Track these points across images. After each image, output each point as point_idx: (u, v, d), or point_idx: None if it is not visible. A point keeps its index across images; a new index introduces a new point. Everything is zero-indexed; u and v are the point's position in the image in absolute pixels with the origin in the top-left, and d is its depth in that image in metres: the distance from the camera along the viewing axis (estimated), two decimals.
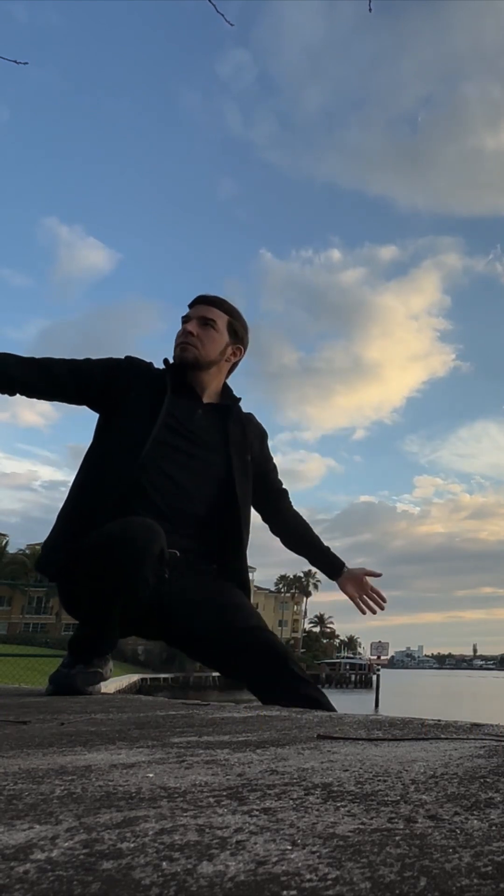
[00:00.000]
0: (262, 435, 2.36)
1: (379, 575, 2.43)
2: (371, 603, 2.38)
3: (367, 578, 2.39)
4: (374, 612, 2.40)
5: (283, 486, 2.43)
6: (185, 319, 2.24)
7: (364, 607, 2.39)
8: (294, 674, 1.92)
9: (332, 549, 2.42)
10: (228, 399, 2.28)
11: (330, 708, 1.83)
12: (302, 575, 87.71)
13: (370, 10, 2.84)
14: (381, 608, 2.39)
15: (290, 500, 2.44)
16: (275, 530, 2.43)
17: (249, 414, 2.35)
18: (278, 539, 2.44)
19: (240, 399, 2.30)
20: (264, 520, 2.42)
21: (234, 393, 2.31)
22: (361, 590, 2.38)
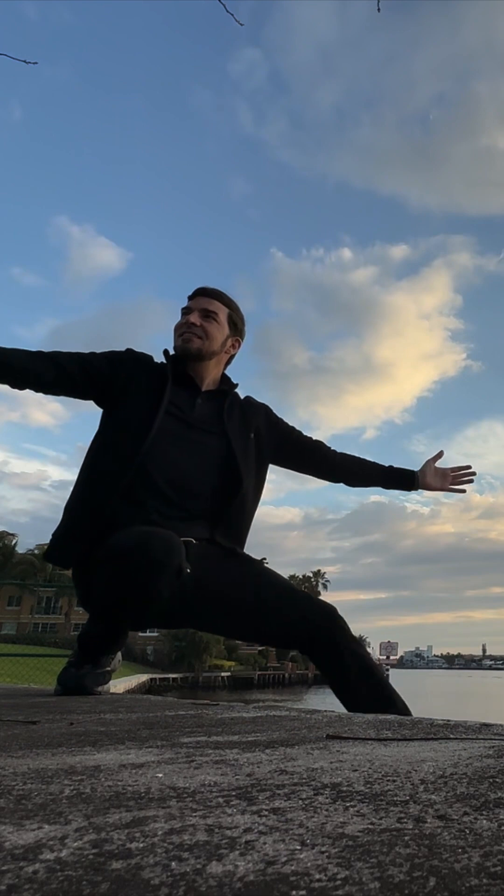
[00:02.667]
0: (262, 410, 2.36)
1: (440, 454, 2.51)
2: (461, 481, 2.49)
3: (437, 464, 2.48)
4: (471, 482, 2.50)
5: (317, 440, 2.44)
6: (187, 311, 2.26)
7: (459, 489, 2.50)
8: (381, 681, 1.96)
9: (394, 466, 2.49)
10: (226, 386, 2.32)
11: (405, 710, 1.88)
12: (311, 575, 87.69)
13: (378, 9, 2.83)
14: (472, 478, 2.49)
15: (331, 448, 2.47)
16: (334, 478, 2.46)
17: (247, 396, 2.37)
18: (346, 484, 2.50)
19: (237, 385, 2.33)
20: (321, 476, 2.45)
21: (233, 382, 2.34)
22: (444, 479, 2.47)
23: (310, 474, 2.47)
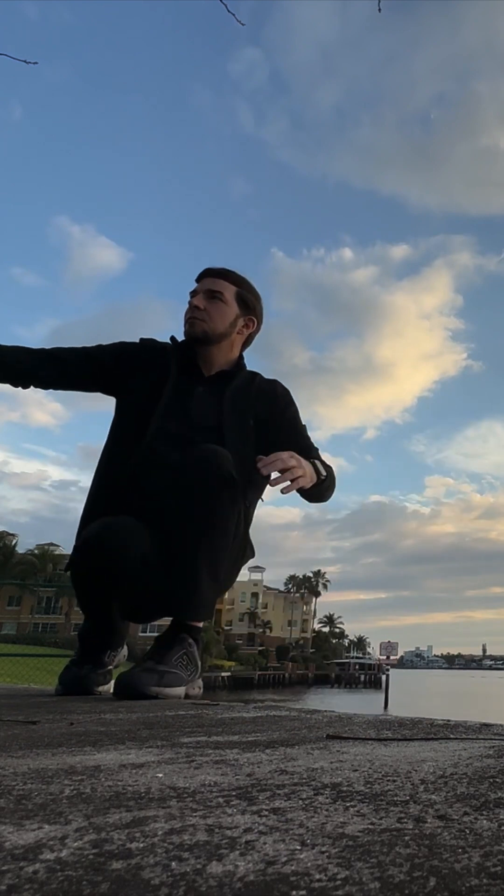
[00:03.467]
0: (270, 394, 2.19)
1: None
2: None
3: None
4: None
5: (313, 449, 2.19)
6: (192, 294, 2.16)
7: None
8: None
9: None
10: (235, 368, 2.18)
11: None
12: (311, 575, 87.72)
13: (379, 9, 2.83)
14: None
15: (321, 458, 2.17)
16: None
17: (270, 380, 2.22)
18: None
19: (245, 367, 2.20)
20: None
21: (245, 365, 2.21)
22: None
23: None
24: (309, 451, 2.15)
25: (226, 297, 2.14)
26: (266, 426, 2.12)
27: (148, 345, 2.22)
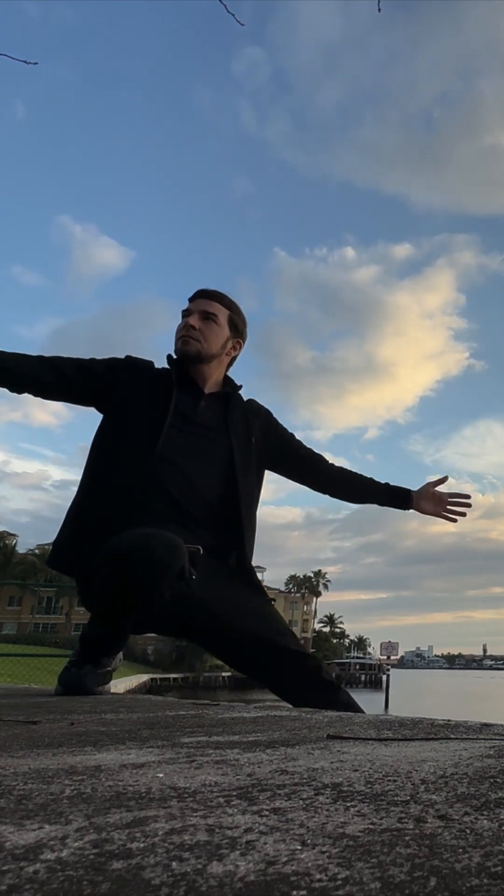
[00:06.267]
0: (263, 414, 2.34)
1: (444, 479, 2.43)
2: (455, 510, 2.41)
3: (438, 488, 2.40)
4: (463, 515, 2.40)
5: (317, 453, 2.41)
6: (186, 313, 2.24)
7: (452, 517, 2.41)
8: (331, 684, 1.97)
9: (391, 484, 2.43)
10: (229, 388, 2.29)
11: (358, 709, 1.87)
12: (312, 575, 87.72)
13: (379, 9, 2.83)
14: (467, 510, 2.40)
15: (330, 462, 2.43)
16: (330, 491, 2.43)
17: (250, 399, 2.35)
18: (339, 499, 2.48)
19: (240, 387, 2.31)
20: (316, 488, 2.42)
21: (236, 383, 2.32)
22: (438, 504, 2.40)
23: (306, 485, 2.42)
24: (317, 457, 2.41)
25: (220, 319, 2.24)
26: (266, 440, 2.29)
27: (136, 362, 2.27)
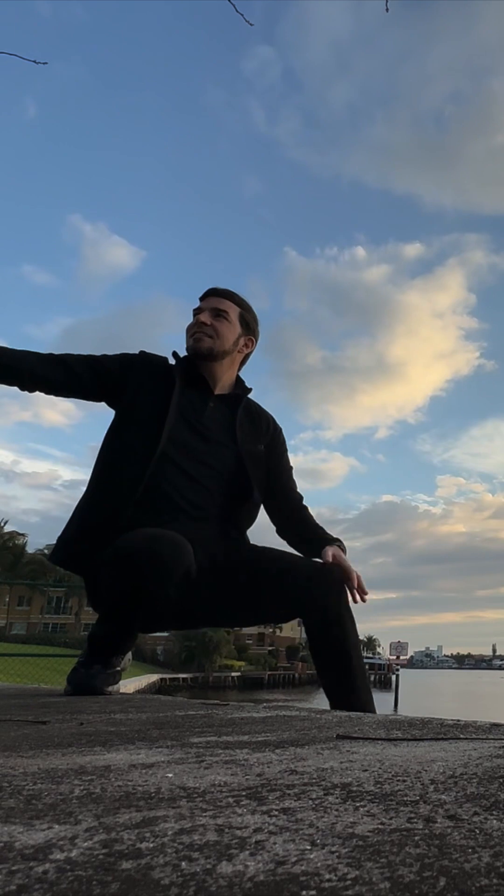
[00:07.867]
0: (271, 425, 2.33)
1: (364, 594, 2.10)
2: (357, 592, 2.07)
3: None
4: (360, 601, 2.08)
5: (300, 495, 2.35)
6: (198, 311, 2.25)
7: (356, 595, 2.07)
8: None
9: (326, 539, 2.20)
10: (240, 389, 2.30)
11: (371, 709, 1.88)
12: None
13: (387, 9, 2.82)
14: (363, 599, 2.09)
15: (303, 506, 2.33)
16: (276, 522, 2.33)
17: (268, 413, 2.35)
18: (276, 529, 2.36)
19: (251, 390, 2.31)
20: (269, 513, 2.32)
21: (247, 385, 2.32)
22: (348, 578, 2.05)
23: (266, 509, 2.31)
24: (297, 496, 2.35)
25: (231, 316, 2.24)
26: (268, 451, 2.28)
27: (150, 357, 2.27)
